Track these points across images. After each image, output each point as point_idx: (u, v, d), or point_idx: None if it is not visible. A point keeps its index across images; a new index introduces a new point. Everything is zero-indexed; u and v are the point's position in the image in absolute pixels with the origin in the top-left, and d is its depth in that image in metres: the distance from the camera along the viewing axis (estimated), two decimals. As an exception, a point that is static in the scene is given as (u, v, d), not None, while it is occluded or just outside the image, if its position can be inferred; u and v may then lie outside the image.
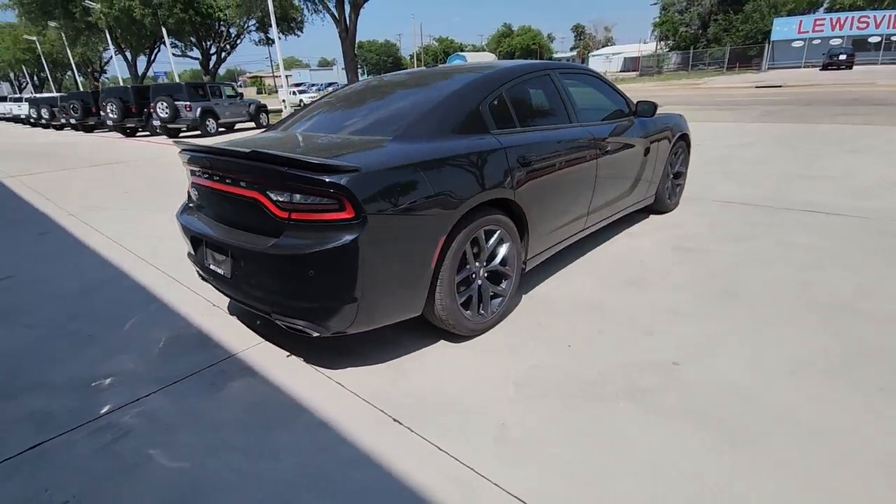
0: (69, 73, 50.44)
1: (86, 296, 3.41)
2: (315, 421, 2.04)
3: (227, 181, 2.27)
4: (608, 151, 3.41)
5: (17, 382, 2.41)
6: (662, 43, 50.07)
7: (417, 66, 77.52)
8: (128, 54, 34.18)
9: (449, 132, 2.44)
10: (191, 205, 2.81)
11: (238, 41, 30.52)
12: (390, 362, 2.44)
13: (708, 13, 42.22)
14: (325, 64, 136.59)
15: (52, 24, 34.19)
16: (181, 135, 16.03)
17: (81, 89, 39.83)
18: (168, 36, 24.45)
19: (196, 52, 28.69)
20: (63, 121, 20.59)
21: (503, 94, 2.78)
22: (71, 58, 40.39)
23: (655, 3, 47.66)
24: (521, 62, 3.28)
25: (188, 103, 15.23)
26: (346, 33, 18.23)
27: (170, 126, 15.54)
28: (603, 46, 79.21)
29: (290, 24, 26.33)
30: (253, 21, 28.10)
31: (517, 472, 1.72)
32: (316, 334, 2.16)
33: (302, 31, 27.40)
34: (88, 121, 19.21)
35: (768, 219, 4.37)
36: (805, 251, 3.59)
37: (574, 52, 79.57)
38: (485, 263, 2.63)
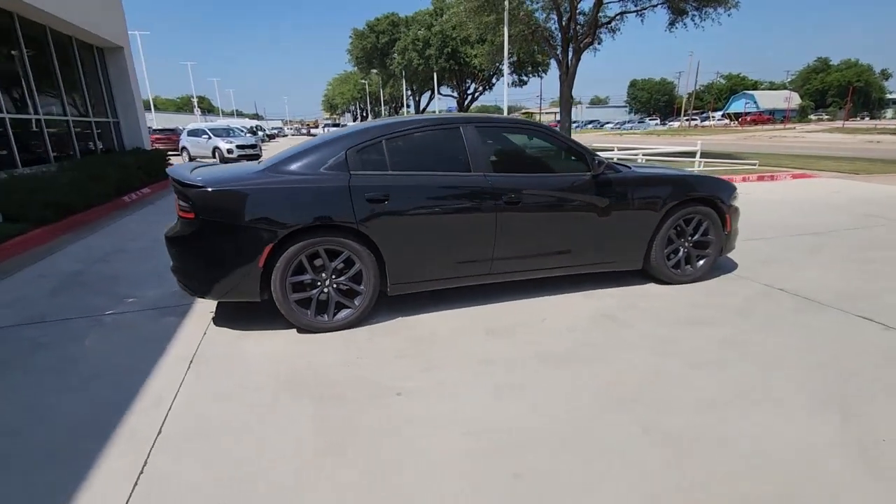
0: (384, 107, 64.96)
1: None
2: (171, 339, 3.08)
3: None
4: (523, 203, 3.47)
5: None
6: None
7: (691, 106, 71.59)
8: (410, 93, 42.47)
9: (327, 168, 3.18)
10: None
11: (495, 82, 34.64)
12: (247, 331, 3.29)
13: None
14: (599, 101, 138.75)
15: (373, 71, 45.34)
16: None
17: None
18: (437, 79, 29.86)
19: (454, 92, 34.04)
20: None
21: (382, 142, 3.33)
22: (382, 95, 52.49)
23: None
24: (429, 117, 3.67)
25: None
26: (566, 76, 18.98)
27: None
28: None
29: (536, 67, 28.64)
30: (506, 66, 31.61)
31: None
32: (189, 293, 3.22)
33: (546, 73, 29.39)
34: None
35: (800, 322, 3.42)
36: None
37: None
38: (332, 277, 3.23)
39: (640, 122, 74.64)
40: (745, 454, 2.01)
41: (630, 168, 4.11)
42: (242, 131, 22.38)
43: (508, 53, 25.13)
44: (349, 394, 2.53)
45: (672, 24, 18.81)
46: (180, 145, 20.77)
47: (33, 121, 8.77)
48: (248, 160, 19.07)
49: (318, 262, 3.20)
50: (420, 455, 2.04)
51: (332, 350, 3.03)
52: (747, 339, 3.07)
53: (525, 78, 32.87)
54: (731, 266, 4.57)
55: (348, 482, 1.90)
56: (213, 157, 19.20)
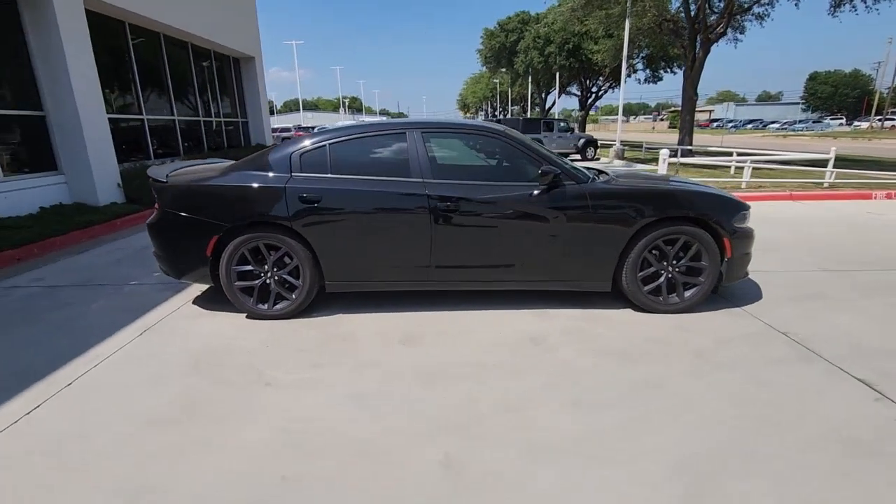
0: (511, 106, 64.94)
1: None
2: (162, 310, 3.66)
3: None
4: (463, 212, 3.39)
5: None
6: None
7: (886, 104, 58.40)
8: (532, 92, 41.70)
9: (270, 170, 3.49)
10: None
11: (628, 77, 32.35)
12: (212, 311, 3.74)
13: None
14: (768, 98, 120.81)
15: (502, 70, 45.58)
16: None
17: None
18: (560, 78, 28.91)
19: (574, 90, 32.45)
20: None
21: (327, 147, 3.50)
22: (510, 94, 52.49)
23: None
24: (378, 123, 3.73)
25: (520, 135, 18.32)
26: (690, 71, 16.94)
27: (506, 152, 19.09)
28: None
29: (670, 61, 26.10)
30: (638, 60, 29.37)
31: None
32: (164, 273, 3.76)
33: (682, 67, 26.53)
34: None
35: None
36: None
37: None
38: (273, 270, 3.52)
39: (817, 121, 63.61)
40: (524, 507, 1.80)
41: (607, 177, 3.73)
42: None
43: (638, 47, 23.45)
44: (229, 376, 2.78)
45: (836, 6, 15.77)
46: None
47: (171, 121, 10.69)
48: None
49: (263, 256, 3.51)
50: (217, 448, 2.20)
51: (255, 336, 3.32)
52: (671, 385, 2.63)
53: (660, 74, 30.29)
54: (747, 297, 3.87)
55: (151, 450, 2.13)
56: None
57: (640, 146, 20.34)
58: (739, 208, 3.56)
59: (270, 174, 3.47)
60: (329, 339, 3.27)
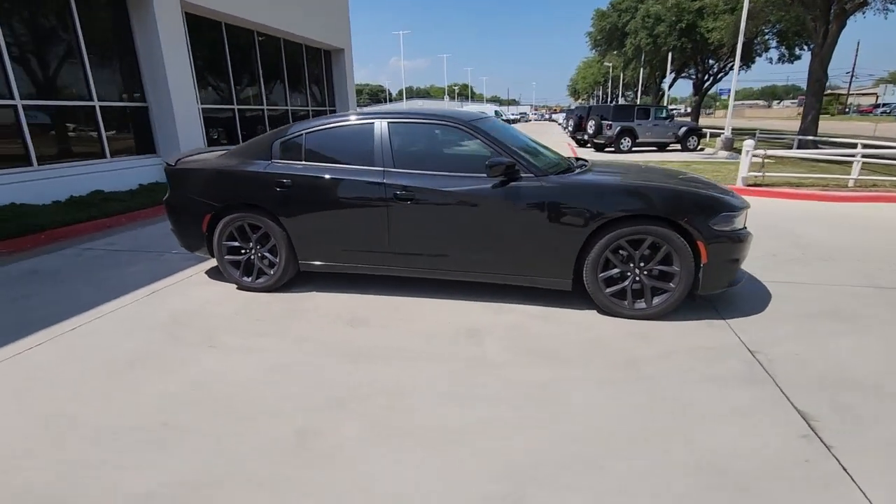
0: (623, 92, 60.81)
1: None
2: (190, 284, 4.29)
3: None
4: (416, 201, 3.46)
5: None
6: None
7: None
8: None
9: (256, 157, 3.87)
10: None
11: (755, 57, 28.63)
12: (214, 280, 4.26)
13: None
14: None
15: (613, 53, 42.94)
16: (605, 150, 18.24)
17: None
18: (672, 60, 26.40)
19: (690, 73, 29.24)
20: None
21: (303, 136, 3.76)
22: (622, 79, 49.32)
23: None
24: (344, 114, 3.88)
25: (610, 122, 17.28)
26: (820, 48, 14.42)
27: (595, 140, 18.15)
28: None
29: (807, 37, 22.55)
30: (769, 36, 25.83)
31: (103, 320, 3.47)
32: (180, 245, 4.35)
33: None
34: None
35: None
36: None
37: None
38: (257, 247, 3.91)
39: None
40: None
41: (582, 169, 3.55)
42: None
43: (767, 21, 20.66)
44: (185, 336, 3.20)
45: None
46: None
47: (260, 110, 11.88)
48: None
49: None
50: (131, 392, 2.59)
51: (232, 304, 3.73)
52: (568, 392, 2.51)
53: (797, 51, 26.38)
54: (743, 309, 3.44)
55: (90, 388, 2.58)
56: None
57: (754, 134, 18.05)
58: (720, 209, 3.16)
59: (255, 161, 3.83)
60: (289, 313, 3.57)
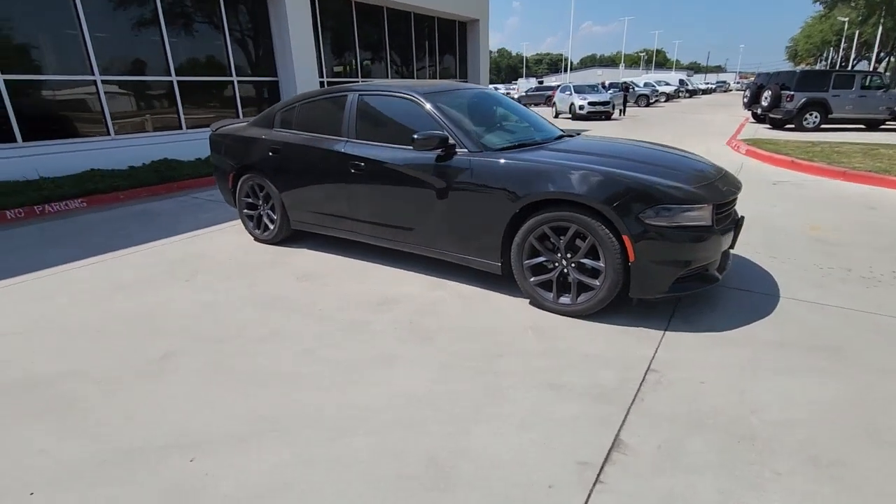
0: (869, 52, 48.18)
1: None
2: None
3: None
4: (368, 171, 3.60)
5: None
6: None
7: None
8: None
9: (265, 126, 4.42)
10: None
11: None
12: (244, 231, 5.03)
13: None
14: None
15: (850, 4, 34.23)
16: (784, 127, 14.94)
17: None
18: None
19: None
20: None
21: (297, 107, 4.13)
22: (857, 37, 39.12)
23: None
24: (333, 87, 4.02)
25: (791, 93, 14.10)
26: None
27: (771, 115, 15.02)
28: None
29: None
30: None
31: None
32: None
33: None
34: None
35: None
36: None
37: None
38: (263, 204, 4.50)
39: None
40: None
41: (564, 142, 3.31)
42: (600, 89, 22.75)
43: None
44: (176, 272, 3.92)
45: None
46: (552, 101, 23.37)
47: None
48: (600, 116, 19.85)
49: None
50: (93, 306, 3.33)
51: (233, 251, 4.39)
52: (402, 366, 2.47)
53: None
54: (711, 324, 2.83)
55: (88, 298, 3.43)
56: (569, 112, 20.77)
57: None
58: (653, 200, 2.61)
59: (261, 129, 4.37)
60: (266, 264, 4.07)
